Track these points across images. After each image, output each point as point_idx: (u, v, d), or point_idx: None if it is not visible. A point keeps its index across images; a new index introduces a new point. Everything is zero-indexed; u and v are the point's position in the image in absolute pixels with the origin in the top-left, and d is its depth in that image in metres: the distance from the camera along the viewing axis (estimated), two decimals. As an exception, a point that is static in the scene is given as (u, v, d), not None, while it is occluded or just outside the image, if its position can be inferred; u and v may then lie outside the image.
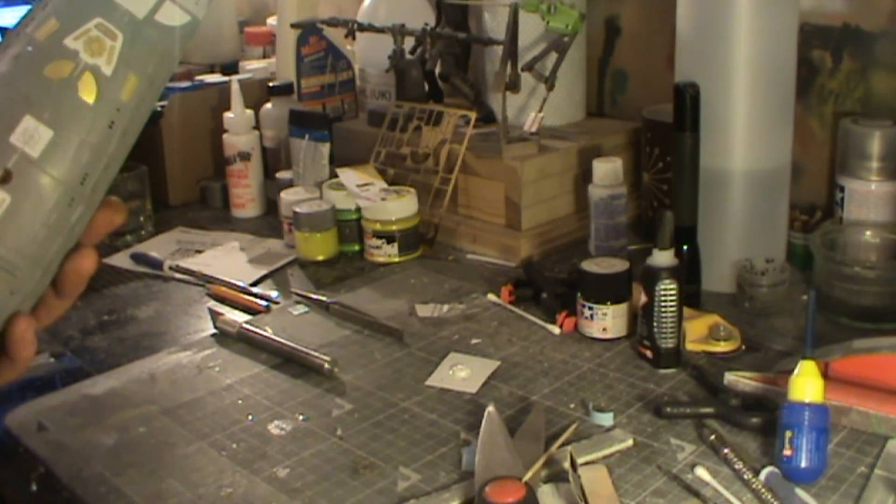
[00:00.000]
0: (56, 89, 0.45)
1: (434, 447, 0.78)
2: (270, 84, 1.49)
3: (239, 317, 1.02)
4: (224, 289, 1.13)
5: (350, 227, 1.22)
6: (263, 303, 1.09)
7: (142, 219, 1.36)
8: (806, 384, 0.71)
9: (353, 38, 1.54)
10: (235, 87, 1.40)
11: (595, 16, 1.39)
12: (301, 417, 0.83)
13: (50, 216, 0.45)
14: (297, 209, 1.20)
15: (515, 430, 0.76)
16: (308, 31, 1.51)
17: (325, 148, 1.32)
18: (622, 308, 0.94)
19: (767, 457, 0.73)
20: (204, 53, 1.83)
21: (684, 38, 1.04)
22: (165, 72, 0.48)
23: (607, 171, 1.13)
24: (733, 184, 1.02)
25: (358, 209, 1.21)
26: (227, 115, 1.41)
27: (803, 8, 1.08)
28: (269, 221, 1.39)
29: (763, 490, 0.68)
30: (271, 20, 1.90)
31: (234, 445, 0.79)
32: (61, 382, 0.93)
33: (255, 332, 0.97)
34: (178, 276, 1.19)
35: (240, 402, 0.87)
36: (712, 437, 0.75)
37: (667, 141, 1.08)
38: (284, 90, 1.47)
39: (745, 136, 1.00)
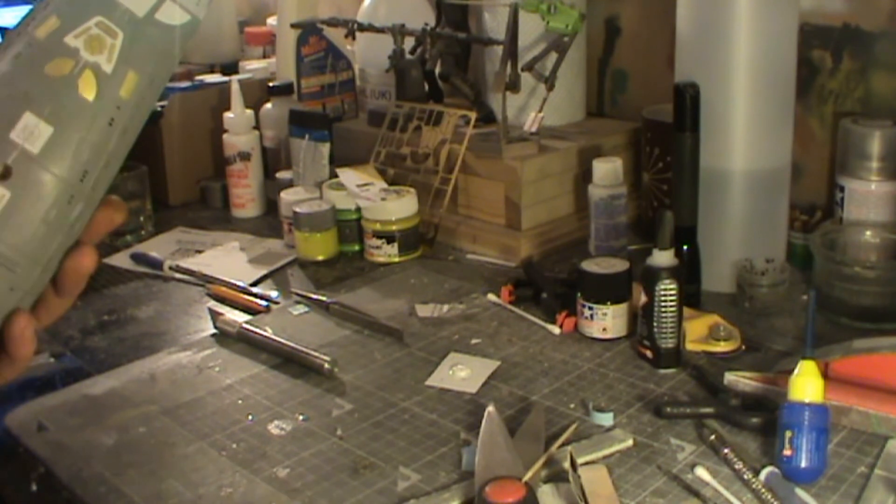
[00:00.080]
0: (56, 86, 0.45)
1: (434, 447, 0.78)
2: (270, 84, 1.49)
3: (239, 317, 1.01)
4: (224, 289, 1.13)
5: (350, 227, 1.22)
6: (263, 303, 1.09)
7: (142, 219, 1.36)
8: (806, 384, 0.71)
9: (353, 38, 1.54)
10: (235, 87, 1.40)
11: (595, 16, 1.39)
12: (301, 417, 0.83)
13: (49, 213, 0.45)
14: (297, 209, 1.20)
15: (515, 430, 0.76)
16: (308, 31, 1.51)
17: (325, 148, 1.32)
18: (622, 308, 0.94)
19: (767, 457, 0.73)
20: (204, 53, 1.83)
21: (684, 38, 1.04)
22: (165, 71, 0.48)
23: (607, 171, 1.13)
24: (733, 184, 1.02)
25: (358, 209, 1.21)
26: (227, 115, 1.41)
27: (803, 8, 1.08)
28: (269, 221, 1.39)
29: (763, 490, 0.68)
30: (271, 20, 1.90)
31: (234, 445, 0.79)
32: (61, 382, 0.93)
33: (255, 332, 0.97)
34: (178, 276, 1.19)
35: (240, 402, 0.87)
36: (712, 437, 0.75)
37: (667, 141, 1.08)
38: (284, 90, 1.47)
39: (745, 136, 1.00)
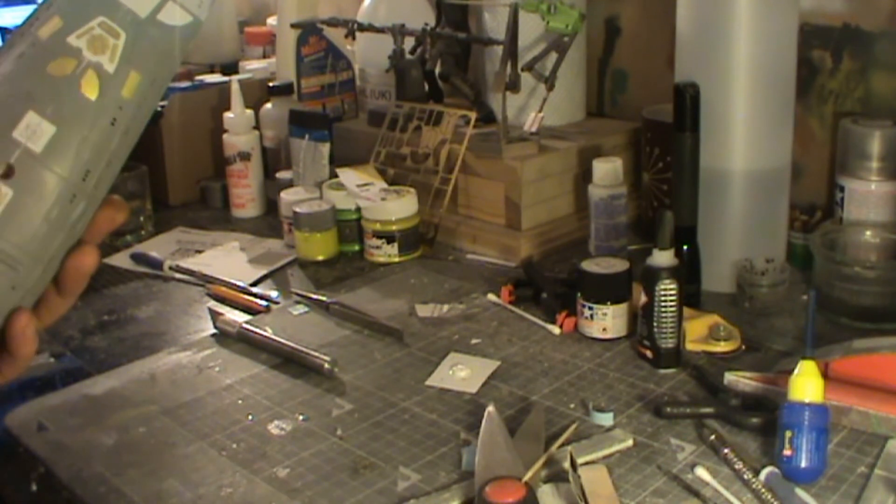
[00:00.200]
0: (59, 86, 0.45)
1: (434, 447, 0.78)
2: (270, 84, 1.49)
3: (239, 317, 1.01)
4: (224, 289, 1.13)
5: (350, 227, 1.22)
6: (263, 303, 1.09)
7: (142, 219, 1.36)
8: (806, 384, 0.71)
9: (353, 38, 1.54)
10: (235, 87, 1.40)
11: (595, 16, 1.39)
12: (301, 417, 0.83)
13: (51, 212, 0.45)
14: (297, 209, 1.20)
15: (515, 430, 0.76)
16: (308, 31, 1.51)
17: (325, 148, 1.32)
18: (622, 308, 0.94)
19: (767, 457, 0.73)
20: (204, 53, 1.83)
21: (684, 38, 1.04)
22: (167, 71, 0.48)
23: (607, 171, 1.13)
24: (733, 184, 1.02)
25: (358, 209, 1.21)
26: (227, 115, 1.41)
27: (803, 8, 1.08)
28: (269, 221, 1.39)
29: (763, 490, 0.68)
30: (271, 20, 1.90)
31: (234, 445, 0.79)
32: (61, 382, 0.93)
33: (255, 332, 0.97)
34: (178, 276, 1.19)
35: (240, 402, 0.87)
36: (712, 437, 0.75)
37: (667, 141, 1.08)
38: (284, 90, 1.47)
39: (745, 136, 1.01)
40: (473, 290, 1.08)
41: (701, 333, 0.92)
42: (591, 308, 0.94)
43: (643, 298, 0.89)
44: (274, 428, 0.82)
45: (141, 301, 1.13)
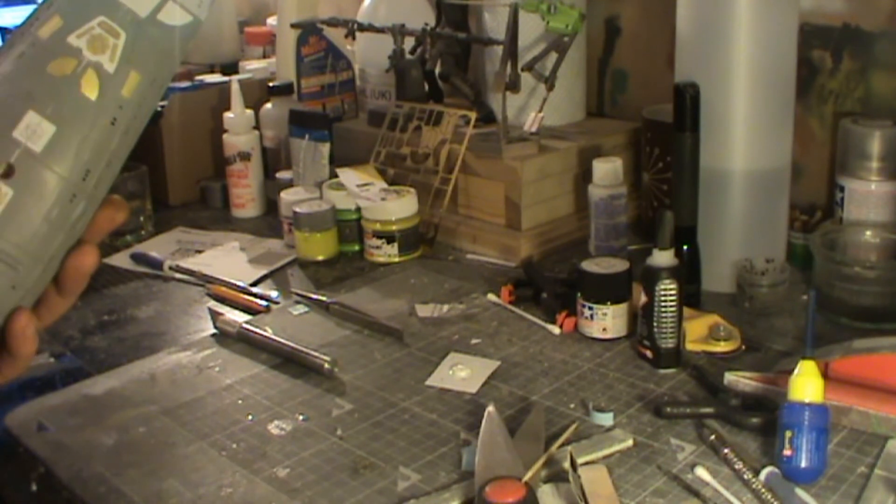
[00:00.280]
0: (59, 86, 0.45)
1: (434, 447, 0.78)
2: (270, 84, 1.49)
3: (239, 317, 1.01)
4: (224, 289, 1.13)
5: (350, 227, 1.22)
6: (263, 303, 1.09)
7: (142, 219, 1.36)
8: (806, 384, 0.71)
9: (353, 38, 1.54)
10: (235, 87, 1.40)
11: (595, 16, 1.39)
12: (301, 417, 0.83)
13: (52, 211, 0.45)
14: (297, 209, 1.20)
15: (515, 430, 0.76)
16: (308, 31, 1.51)
17: (325, 148, 1.32)
18: (622, 308, 0.94)
19: (767, 457, 0.73)
20: (204, 53, 1.83)
21: (684, 38, 1.04)
22: (167, 71, 0.48)
23: (607, 171, 1.13)
24: (733, 184, 1.02)
25: (358, 209, 1.21)
26: (227, 115, 1.41)
27: (803, 8, 1.08)
28: (269, 221, 1.39)
29: (763, 490, 0.68)
30: (271, 20, 1.90)
31: (234, 445, 0.79)
32: (61, 382, 0.93)
33: (255, 332, 0.97)
34: (178, 276, 1.19)
35: (240, 402, 0.87)
36: (712, 437, 0.75)
37: (667, 141, 1.08)
38: (284, 90, 1.47)
39: (745, 136, 1.01)
40: (473, 290, 1.08)
41: (701, 333, 0.92)
42: (591, 308, 0.94)
43: (643, 298, 0.89)
44: (274, 428, 0.82)
45: (141, 301, 1.13)
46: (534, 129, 1.21)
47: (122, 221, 0.50)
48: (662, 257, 0.88)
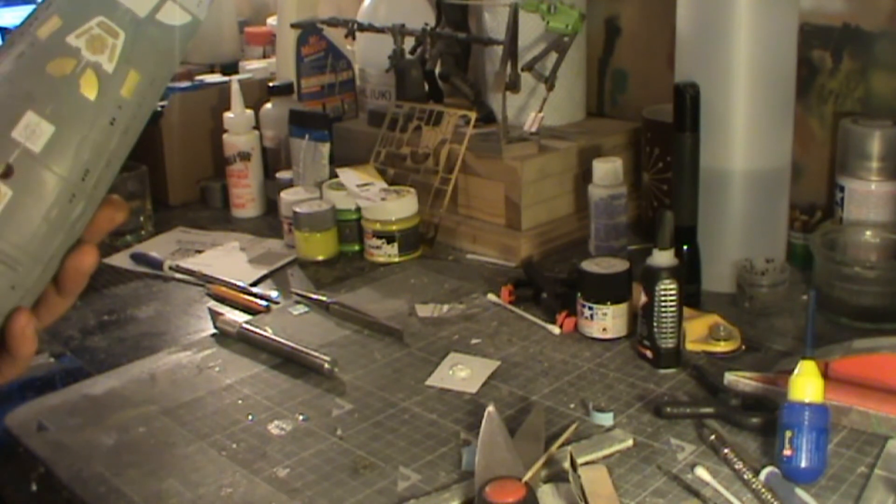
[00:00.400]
0: (58, 86, 0.45)
1: (434, 447, 0.78)
2: (270, 84, 1.49)
3: (239, 317, 1.01)
4: (224, 289, 1.13)
5: (350, 227, 1.22)
6: (263, 303, 1.09)
7: (142, 219, 1.36)
8: (806, 384, 0.71)
9: (353, 38, 1.54)
10: (235, 87, 1.40)
11: (595, 16, 1.39)
12: (301, 417, 0.83)
13: (51, 211, 0.45)
14: (297, 209, 1.20)
15: (515, 430, 0.76)
16: (308, 31, 1.51)
17: (325, 148, 1.32)
18: (622, 308, 0.94)
19: (767, 457, 0.73)
20: (204, 53, 1.83)
21: (684, 38, 1.04)
22: (166, 71, 0.48)
23: (607, 171, 1.13)
24: (733, 184, 1.02)
25: (358, 209, 1.21)
26: (227, 115, 1.41)
27: (803, 8, 1.08)
28: (269, 221, 1.39)
29: (763, 490, 0.68)
30: (271, 20, 1.90)
31: (234, 445, 0.79)
32: (61, 382, 0.93)
33: (255, 332, 0.97)
34: (178, 276, 1.19)
35: (240, 402, 0.87)
36: (712, 437, 0.75)
37: (667, 141, 1.08)
38: (284, 90, 1.47)
39: (745, 136, 1.00)
40: (473, 290, 1.08)
41: (701, 333, 0.92)
42: (591, 308, 0.94)
43: (643, 298, 0.89)
44: (274, 428, 0.82)
45: (141, 301, 1.13)
46: (534, 129, 1.20)
47: (122, 221, 0.50)
48: (662, 257, 0.88)
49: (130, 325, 1.06)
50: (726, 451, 0.72)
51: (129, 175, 1.33)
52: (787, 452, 0.70)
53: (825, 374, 0.76)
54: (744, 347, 0.91)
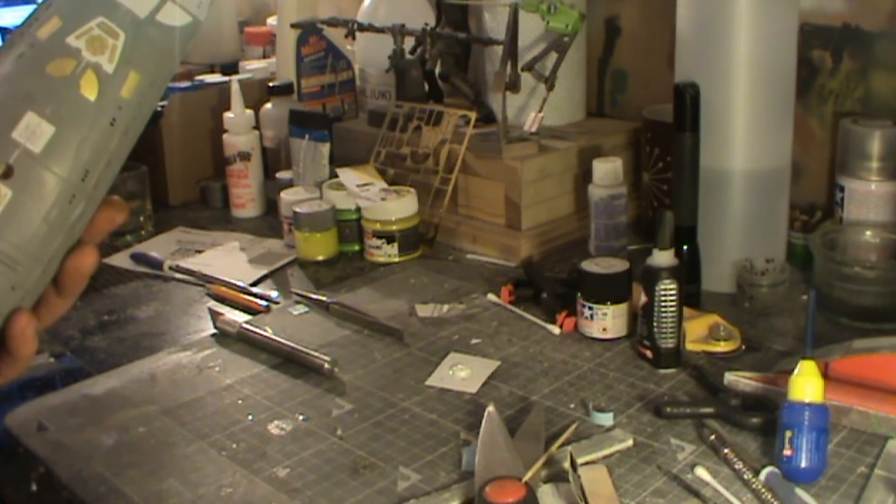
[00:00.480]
0: (58, 86, 0.45)
1: (434, 447, 0.78)
2: (270, 84, 1.49)
3: (239, 317, 1.01)
4: (224, 289, 1.13)
5: (350, 227, 1.22)
6: (263, 303, 1.09)
7: (142, 219, 1.36)
8: (806, 384, 0.71)
9: (353, 38, 1.54)
10: (235, 87, 1.40)
11: (595, 16, 1.39)
12: (301, 417, 0.83)
13: (51, 212, 0.45)
14: (297, 209, 1.20)
15: (515, 430, 0.76)
16: (308, 31, 1.51)
17: (325, 148, 1.32)
18: (622, 308, 0.94)
19: (767, 457, 0.73)
20: (204, 53, 1.83)
21: (684, 38, 1.04)
22: (166, 71, 0.48)
23: (607, 171, 1.13)
24: (733, 184, 1.02)
25: (358, 209, 1.21)
26: (227, 115, 1.41)
27: (803, 8, 1.08)
28: (269, 221, 1.39)
29: (763, 490, 0.68)
30: (271, 20, 1.90)
31: (234, 445, 0.79)
32: (61, 382, 0.93)
33: (255, 332, 0.97)
34: (178, 276, 1.19)
35: (240, 402, 0.87)
36: (712, 437, 0.75)
37: (667, 141, 1.08)
38: (284, 90, 1.47)
39: (745, 136, 1.01)
40: (473, 290, 1.08)
41: (701, 333, 0.92)
42: (591, 308, 0.94)
43: (643, 298, 0.89)
44: (274, 428, 0.82)
45: (141, 301, 1.13)
46: (534, 129, 1.21)
47: (122, 222, 0.50)
48: (662, 257, 0.88)
49: (130, 325, 1.06)
50: (726, 451, 0.72)
51: (129, 175, 1.33)
52: (787, 452, 0.70)
53: (825, 374, 0.76)
54: (744, 347, 0.91)
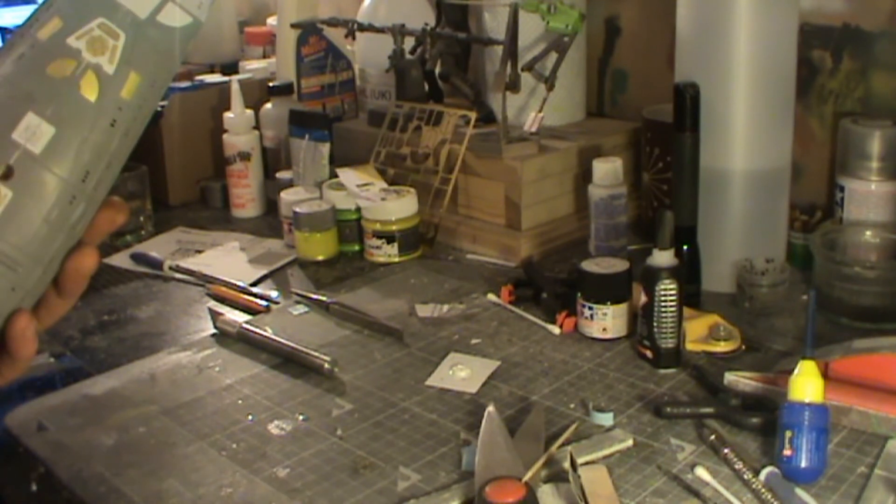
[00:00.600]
0: (58, 87, 0.45)
1: (434, 447, 0.78)
2: (270, 84, 1.49)
3: (239, 317, 1.01)
4: (224, 289, 1.13)
5: (350, 227, 1.22)
6: (263, 303, 1.09)
7: (142, 219, 1.36)
8: (806, 384, 0.71)
9: (353, 38, 1.54)
10: (235, 87, 1.40)
11: (595, 16, 1.39)
12: (301, 417, 0.83)
13: (51, 213, 0.45)
14: (297, 209, 1.20)
15: (515, 430, 0.76)
16: (308, 31, 1.51)
17: (325, 148, 1.32)
18: (622, 308, 0.94)
19: (767, 457, 0.73)
20: (204, 53, 1.83)
21: (684, 38, 1.04)
22: (167, 72, 0.48)
23: (607, 171, 1.13)
24: (733, 184, 1.02)
25: (358, 209, 1.21)
26: (227, 115, 1.41)
27: (803, 8, 1.08)
28: (269, 221, 1.39)
29: (763, 490, 0.68)
30: (271, 20, 1.90)
31: (234, 445, 0.80)
32: (61, 382, 0.93)
33: (255, 332, 0.97)
34: (178, 276, 1.19)
35: (240, 402, 0.87)
36: (712, 437, 0.75)
37: (667, 141, 1.08)
38: (284, 90, 1.47)
39: (745, 136, 1.01)
40: (473, 290, 1.09)
41: (701, 333, 0.92)
42: (591, 308, 0.94)
43: (643, 298, 0.89)
44: (274, 428, 0.82)
45: (141, 301, 1.13)
46: (534, 129, 1.21)
47: (122, 223, 0.50)
48: (662, 257, 0.88)
49: (130, 325, 1.06)
50: (726, 451, 0.72)
51: (129, 175, 1.33)
52: (787, 452, 0.70)
53: (825, 374, 0.76)
54: (744, 347, 0.91)
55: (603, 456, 0.75)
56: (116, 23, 0.46)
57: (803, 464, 0.69)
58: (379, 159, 1.31)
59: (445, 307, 1.04)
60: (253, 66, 1.73)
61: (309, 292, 1.09)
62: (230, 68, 1.77)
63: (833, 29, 1.14)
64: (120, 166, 0.48)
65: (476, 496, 0.67)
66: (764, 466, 0.71)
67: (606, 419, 0.79)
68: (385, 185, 1.24)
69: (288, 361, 0.93)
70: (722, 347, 0.90)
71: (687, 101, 0.97)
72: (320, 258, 1.20)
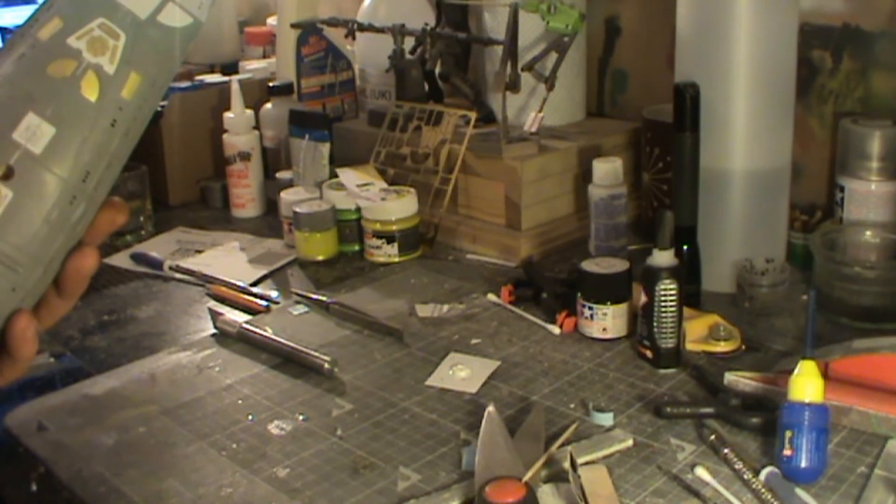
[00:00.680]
0: (59, 87, 0.45)
1: (434, 447, 0.78)
2: (270, 84, 1.49)
3: (239, 317, 1.02)
4: (224, 289, 1.13)
5: (350, 227, 1.22)
6: (263, 303, 1.09)
7: (142, 219, 1.36)
8: (806, 384, 0.71)
9: (353, 38, 1.54)
10: (235, 87, 1.40)
11: (595, 16, 1.39)
12: (301, 417, 0.83)
13: (52, 213, 0.45)
14: (297, 209, 1.20)
15: (515, 430, 0.76)
16: (308, 31, 1.51)
17: (325, 148, 1.32)
18: (622, 308, 0.94)
19: (767, 457, 0.73)
20: (204, 53, 1.83)
21: (684, 38, 1.04)
22: (167, 72, 0.48)
23: (607, 171, 1.13)
24: (733, 184, 1.02)
25: (358, 209, 1.21)
26: (227, 115, 1.41)
27: (803, 8, 1.08)
28: (269, 221, 1.39)
29: (763, 490, 0.68)
30: (271, 20, 1.90)
31: (234, 445, 0.80)
32: (61, 382, 0.93)
33: (255, 332, 0.97)
34: (178, 276, 1.19)
35: (240, 402, 0.87)
36: (712, 437, 0.75)
37: (667, 141, 1.08)
38: (284, 90, 1.47)
39: (745, 136, 1.01)
40: (473, 290, 1.09)
41: (701, 333, 0.92)
42: (591, 308, 0.94)
43: (643, 298, 0.89)
44: (274, 428, 0.82)
45: (141, 301, 1.13)
46: (534, 129, 1.21)
47: (123, 223, 0.50)
48: (662, 257, 0.88)
49: (130, 325, 1.06)
50: (726, 451, 0.72)
51: (129, 175, 1.33)
52: (787, 452, 0.70)
53: (825, 374, 0.76)
54: (744, 347, 0.91)
55: (603, 456, 0.75)
56: (117, 23, 0.46)
57: (803, 464, 0.69)
58: (379, 159, 1.31)
59: (445, 307, 1.04)
60: (253, 66, 1.73)
61: (309, 292, 1.09)
62: (230, 68, 1.77)
63: (833, 29, 1.14)
64: (121, 166, 0.48)
65: (476, 496, 0.67)
66: (764, 466, 0.71)
67: (606, 419, 0.79)
68: (385, 185, 1.24)
69: (288, 361, 0.93)
70: (722, 347, 0.90)
71: (687, 101, 0.97)
72: (320, 258, 1.20)
